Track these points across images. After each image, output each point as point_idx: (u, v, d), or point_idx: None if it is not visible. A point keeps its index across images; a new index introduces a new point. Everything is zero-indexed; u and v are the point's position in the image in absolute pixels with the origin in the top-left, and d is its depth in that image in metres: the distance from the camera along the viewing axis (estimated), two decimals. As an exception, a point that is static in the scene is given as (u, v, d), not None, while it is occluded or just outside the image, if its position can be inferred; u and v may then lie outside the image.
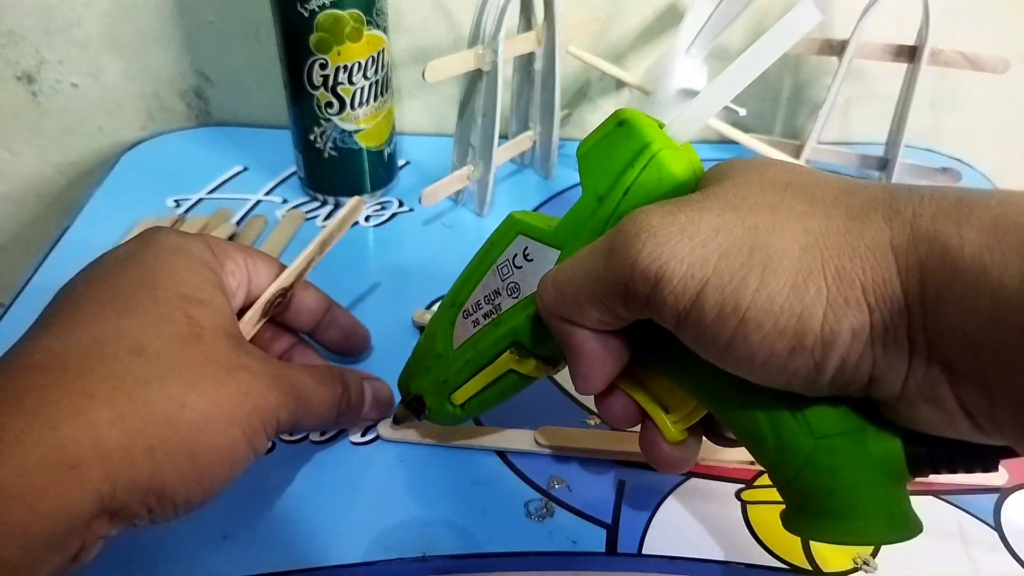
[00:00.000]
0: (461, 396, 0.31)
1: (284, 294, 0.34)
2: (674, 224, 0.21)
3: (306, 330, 0.37)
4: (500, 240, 0.28)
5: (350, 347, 0.38)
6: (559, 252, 0.26)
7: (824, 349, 0.20)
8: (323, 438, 0.35)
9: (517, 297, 0.28)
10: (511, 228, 0.28)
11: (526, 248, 0.27)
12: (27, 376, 0.24)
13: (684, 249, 0.21)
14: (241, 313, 0.32)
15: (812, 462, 0.22)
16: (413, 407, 0.33)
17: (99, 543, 0.25)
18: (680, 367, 0.25)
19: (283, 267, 0.34)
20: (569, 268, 0.24)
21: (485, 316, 0.29)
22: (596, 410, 0.29)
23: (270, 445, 0.30)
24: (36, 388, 0.23)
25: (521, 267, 0.28)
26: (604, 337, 0.24)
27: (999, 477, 0.34)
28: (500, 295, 0.28)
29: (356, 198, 0.38)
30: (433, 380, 0.31)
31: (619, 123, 0.24)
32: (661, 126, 0.25)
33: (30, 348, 0.25)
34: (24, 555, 0.22)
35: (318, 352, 0.37)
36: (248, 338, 0.32)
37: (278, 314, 0.34)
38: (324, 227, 0.36)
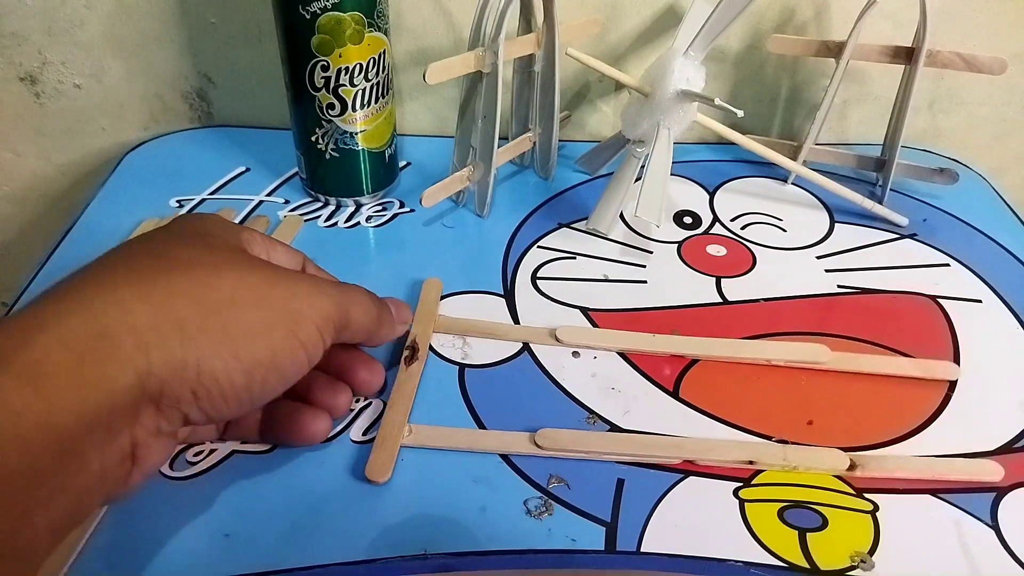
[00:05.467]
0: None
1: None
2: None
3: None
4: None
5: None
6: None
7: None
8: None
9: None
10: None
11: None
12: (59, 283, 0.26)
13: None
14: None
15: None
16: None
17: (158, 446, 0.27)
18: None
19: (305, 258, 0.35)
20: None
21: None
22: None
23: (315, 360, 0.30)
24: (68, 286, 0.26)
25: None
26: None
27: (995, 473, 0.34)
28: None
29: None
30: None
31: None
32: None
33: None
34: (80, 426, 0.23)
35: None
36: None
37: None
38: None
